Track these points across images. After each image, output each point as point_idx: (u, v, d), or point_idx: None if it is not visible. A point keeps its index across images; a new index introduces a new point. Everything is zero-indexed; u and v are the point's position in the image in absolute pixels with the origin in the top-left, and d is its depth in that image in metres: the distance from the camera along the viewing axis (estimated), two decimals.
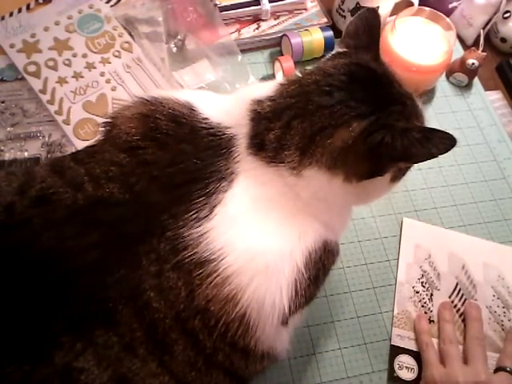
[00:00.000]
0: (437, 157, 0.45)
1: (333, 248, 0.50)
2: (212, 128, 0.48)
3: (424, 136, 0.44)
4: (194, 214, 0.44)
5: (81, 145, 0.72)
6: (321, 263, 0.48)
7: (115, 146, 0.48)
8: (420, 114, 0.51)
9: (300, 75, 0.50)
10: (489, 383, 0.60)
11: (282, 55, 0.88)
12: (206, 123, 0.49)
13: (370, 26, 0.52)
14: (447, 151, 0.44)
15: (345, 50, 0.52)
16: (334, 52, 0.53)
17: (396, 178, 0.51)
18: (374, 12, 0.53)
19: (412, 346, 0.67)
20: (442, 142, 0.44)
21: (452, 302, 0.70)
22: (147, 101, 0.51)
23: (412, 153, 0.44)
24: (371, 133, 0.45)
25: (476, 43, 0.94)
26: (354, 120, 0.45)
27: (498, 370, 0.64)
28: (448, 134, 0.44)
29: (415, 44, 0.83)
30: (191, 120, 0.49)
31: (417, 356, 0.66)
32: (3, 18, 0.81)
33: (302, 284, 0.46)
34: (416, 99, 0.51)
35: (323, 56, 0.89)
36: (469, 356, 0.63)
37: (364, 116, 0.45)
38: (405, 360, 0.66)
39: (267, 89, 0.50)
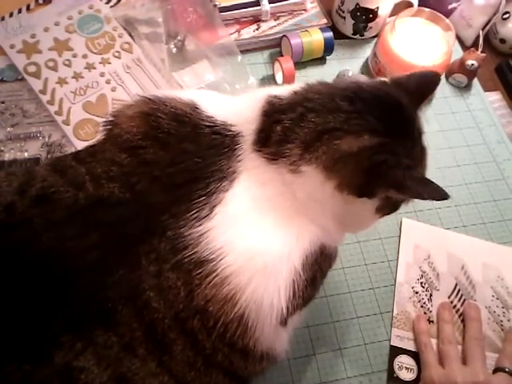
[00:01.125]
0: (425, 199, 0.46)
1: (330, 252, 0.50)
2: (216, 126, 0.48)
3: (422, 179, 0.46)
4: (194, 213, 0.44)
5: (81, 145, 0.72)
6: (317, 265, 0.48)
7: (116, 145, 0.48)
8: (424, 166, 0.52)
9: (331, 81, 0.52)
10: (487, 383, 0.60)
11: (282, 56, 0.88)
12: (209, 121, 0.48)
13: (425, 81, 0.54)
14: (436, 200, 0.46)
15: (385, 80, 0.53)
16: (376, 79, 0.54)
17: (381, 209, 0.51)
18: (436, 76, 0.56)
19: (411, 347, 0.67)
20: (435, 192, 0.46)
21: (451, 302, 0.71)
22: (149, 99, 0.50)
23: (406, 185, 0.45)
24: (379, 152, 0.45)
25: (475, 44, 0.95)
26: (367, 133, 0.45)
27: (496, 370, 0.64)
28: (443, 189, 0.46)
29: (415, 45, 0.84)
30: (194, 119, 0.49)
31: (416, 356, 0.66)
32: (3, 19, 0.81)
33: (299, 285, 0.45)
34: (427, 156, 0.52)
35: (323, 57, 0.90)
36: (467, 356, 0.63)
37: (378, 134, 0.46)
38: (404, 360, 0.66)
39: (292, 87, 0.50)
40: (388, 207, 0.51)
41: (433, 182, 0.46)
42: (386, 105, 0.48)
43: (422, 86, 0.53)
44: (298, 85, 0.51)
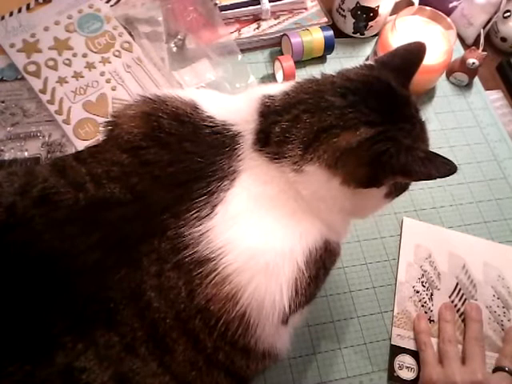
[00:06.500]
0: (435, 179, 0.46)
1: (334, 248, 0.50)
2: (216, 126, 0.48)
3: (427, 157, 0.45)
4: (195, 213, 0.44)
5: (81, 145, 0.72)
6: (321, 262, 0.48)
7: (117, 145, 0.48)
8: (426, 141, 0.52)
9: (319, 77, 0.51)
10: (486, 383, 0.60)
11: (282, 55, 0.88)
12: (209, 121, 0.49)
13: (410, 54, 0.53)
14: (446, 176, 0.46)
15: (371, 63, 0.53)
16: (361, 63, 0.53)
17: (390, 194, 0.51)
18: (421, 46, 0.54)
19: (412, 346, 0.67)
20: (443, 167, 0.45)
21: (452, 301, 0.71)
22: (150, 99, 0.51)
23: (412, 169, 0.45)
24: (378, 141, 0.45)
25: (476, 43, 0.95)
26: (362, 125, 0.45)
27: (496, 369, 0.64)
28: (450, 160, 0.46)
29: None
30: (195, 118, 0.49)
31: (417, 356, 0.66)
32: (3, 18, 0.81)
33: (302, 283, 0.45)
34: (426, 127, 0.52)
35: (323, 56, 0.90)
36: (467, 356, 0.63)
37: (373, 124, 0.46)
38: (405, 360, 0.66)
39: (283, 86, 0.50)
40: (397, 190, 0.52)
41: (438, 156, 0.46)
42: (377, 91, 0.48)
43: (408, 59, 0.53)
44: (288, 84, 0.51)
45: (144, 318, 0.42)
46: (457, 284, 0.72)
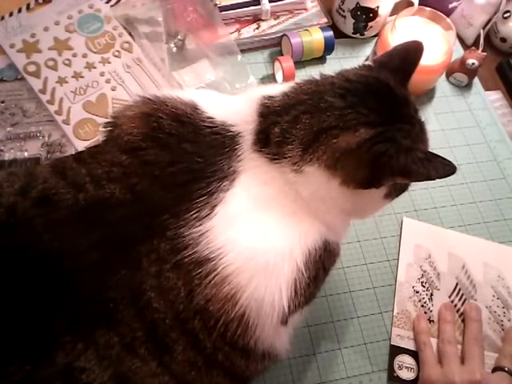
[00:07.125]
0: (434, 180, 0.46)
1: (334, 249, 0.50)
2: (216, 127, 0.48)
3: (426, 157, 0.45)
4: (194, 213, 0.44)
5: (81, 145, 0.72)
6: (321, 263, 0.48)
7: (117, 146, 0.48)
8: (426, 141, 0.52)
9: (318, 77, 0.51)
10: (485, 382, 0.60)
11: (282, 55, 0.88)
12: (209, 122, 0.49)
13: (407, 53, 0.53)
14: (445, 176, 0.46)
15: (369, 64, 0.53)
16: (360, 64, 0.53)
17: (389, 195, 0.51)
18: (418, 45, 0.54)
19: (412, 346, 0.67)
20: (442, 167, 0.45)
21: (452, 301, 0.71)
22: (150, 100, 0.51)
23: (412, 170, 0.45)
24: (377, 142, 0.45)
25: (476, 43, 0.95)
26: (362, 126, 0.45)
27: (496, 369, 0.64)
28: (449, 161, 0.46)
29: None
30: (194, 119, 0.49)
31: (417, 356, 0.66)
32: (3, 18, 0.81)
33: (301, 283, 0.46)
34: (426, 127, 0.52)
35: (323, 56, 0.90)
36: (466, 356, 0.63)
37: (373, 125, 0.46)
38: (405, 360, 0.66)
39: (283, 87, 0.50)
40: (396, 191, 0.52)
41: (437, 156, 0.46)
42: (376, 92, 0.48)
43: (406, 59, 0.53)
44: (287, 85, 0.51)
45: (144, 318, 0.42)
46: (456, 284, 0.72)
